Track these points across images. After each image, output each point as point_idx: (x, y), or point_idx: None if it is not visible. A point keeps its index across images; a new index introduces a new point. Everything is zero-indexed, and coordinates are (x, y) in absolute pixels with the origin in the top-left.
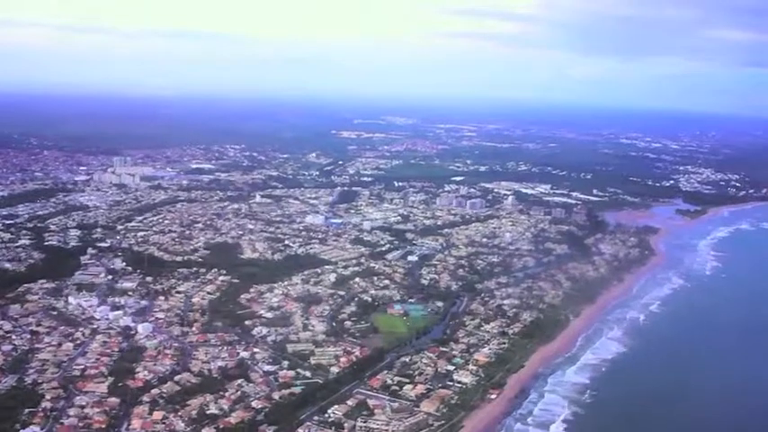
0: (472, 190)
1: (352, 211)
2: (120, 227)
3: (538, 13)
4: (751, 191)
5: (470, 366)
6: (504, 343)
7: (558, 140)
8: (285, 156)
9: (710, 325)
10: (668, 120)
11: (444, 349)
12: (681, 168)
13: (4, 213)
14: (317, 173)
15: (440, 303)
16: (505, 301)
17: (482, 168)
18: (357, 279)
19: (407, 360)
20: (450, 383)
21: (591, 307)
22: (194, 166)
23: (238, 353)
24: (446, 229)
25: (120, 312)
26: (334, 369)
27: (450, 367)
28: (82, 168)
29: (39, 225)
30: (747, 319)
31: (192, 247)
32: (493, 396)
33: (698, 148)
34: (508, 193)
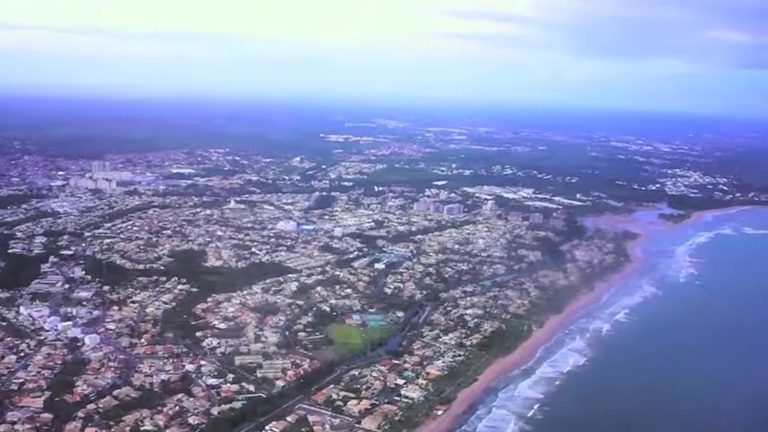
0: (453, 195)
1: (327, 217)
2: (87, 234)
3: (534, 15)
4: (738, 194)
5: (420, 380)
6: (460, 355)
7: (548, 143)
8: (268, 160)
9: (676, 336)
10: (664, 122)
11: (397, 362)
12: (669, 172)
13: None
14: (299, 177)
15: (400, 313)
16: (468, 311)
17: (467, 172)
18: (319, 288)
19: (357, 373)
20: (398, 398)
21: (556, 317)
22: (174, 171)
23: (184, 365)
24: (419, 236)
25: (69, 323)
26: (280, 383)
27: (400, 381)
28: (60, 173)
29: (5, 232)
30: (715, 329)
31: (155, 255)
32: (439, 412)
33: (689, 151)
34: (489, 197)
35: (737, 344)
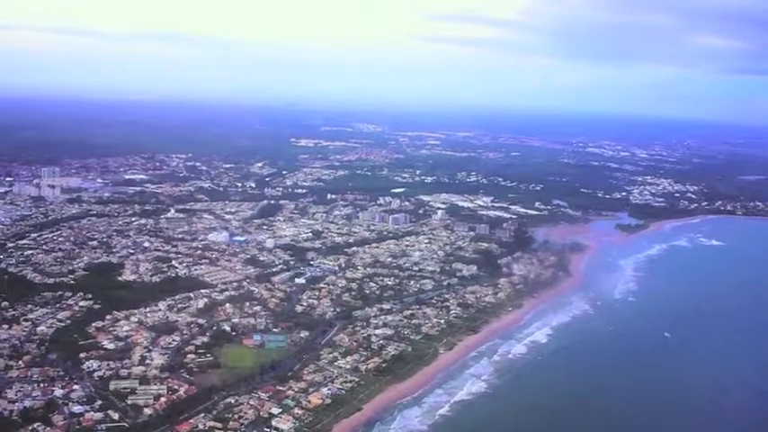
0: (406, 203)
1: (265, 227)
2: (10, 245)
3: (523, 20)
4: (704, 203)
5: (297, 410)
6: (352, 381)
7: (523, 149)
8: (228, 165)
9: (590, 360)
10: (650, 127)
11: (281, 388)
12: (639, 179)
13: None
14: (253, 184)
15: (305, 333)
16: (377, 331)
17: (428, 179)
18: (227, 305)
19: (233, 401)
20: (267, 430)
21: (471, 337)
22: (127, 177)
23: (53, 390)
24: (355, 248)
25: None
26: (148, 411)
27: (276, 410)
28: (8, 179)
29: None
30: (632, 353)
31: (70, 268)
32: None
33: (667, 157)
34: (442, 206)
35: (651, 371)
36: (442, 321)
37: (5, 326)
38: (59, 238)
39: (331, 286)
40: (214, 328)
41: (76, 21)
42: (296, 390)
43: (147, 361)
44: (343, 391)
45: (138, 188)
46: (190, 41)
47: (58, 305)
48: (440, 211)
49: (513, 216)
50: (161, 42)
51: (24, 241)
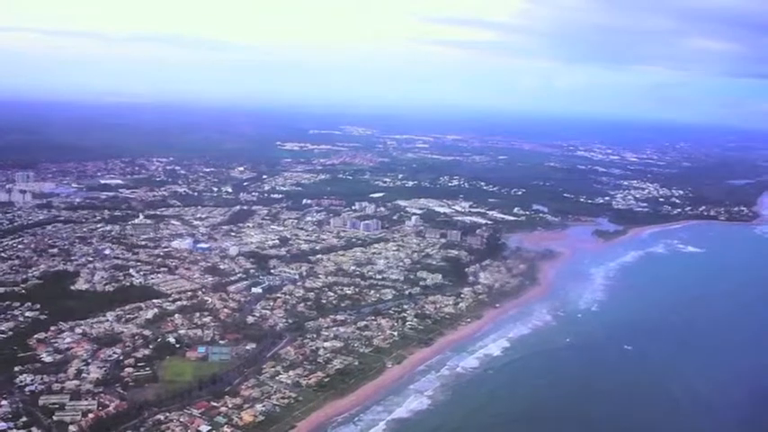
0: (382, 209)
1: (233, 234)
2: None
3: (520, 23)
4: (687, 208)
5: (226, 428)
6: (290, 397)
7: (511, 152)
8: (209, 169)
9: (544, 374)
10: (644, 130)
11: (216, 404)
12: (625, 183)
13: None
14: (230, 189)
15: (251, 346)
16: (326, 344)
17: (409, 184)
18: (177, 316)
19: (162, 418)
20: None
21: (422, 351)
22: (102, 182)
23: None
24: (320, 255)
25: None
26: (73, 428)
27: (206, 428)
28: None
29: None
30: (589, 366)
31: (24, 277)
32: None
33: (657, 161)
34: (418, 212)
35: (606, 384)
36: (396, 333)
37: None
38: (20, 245)
39: (287, 296)
40: (159, 339)
41: (75, 23)
42: (230, 406)
43: (84, 375)
44: (278, 408)
45: (111, 193)
46: (188, 44)
47: (2, 315)
48: (414, 217)
49: (489, 222)
50: (160, 44)
51: None
